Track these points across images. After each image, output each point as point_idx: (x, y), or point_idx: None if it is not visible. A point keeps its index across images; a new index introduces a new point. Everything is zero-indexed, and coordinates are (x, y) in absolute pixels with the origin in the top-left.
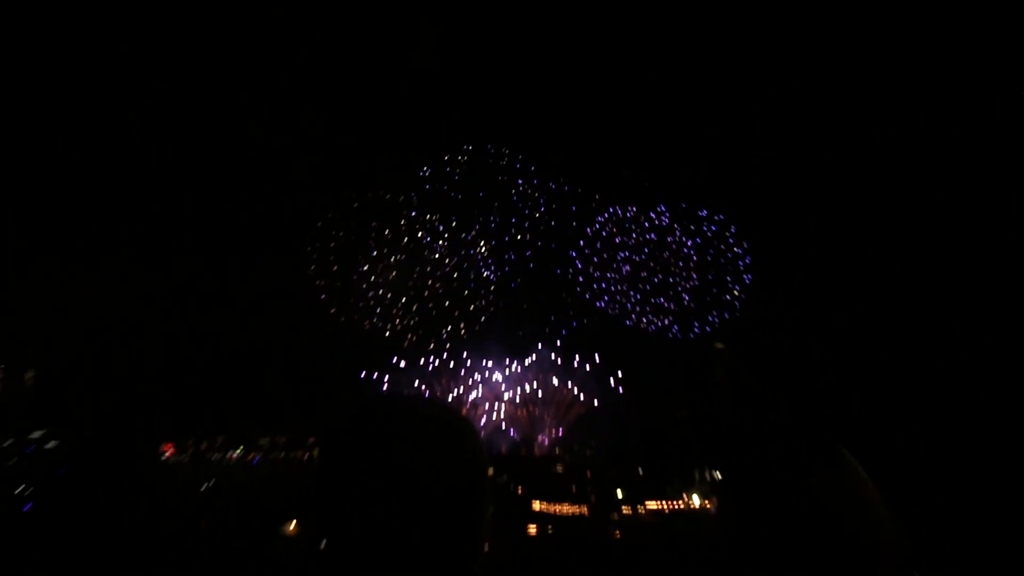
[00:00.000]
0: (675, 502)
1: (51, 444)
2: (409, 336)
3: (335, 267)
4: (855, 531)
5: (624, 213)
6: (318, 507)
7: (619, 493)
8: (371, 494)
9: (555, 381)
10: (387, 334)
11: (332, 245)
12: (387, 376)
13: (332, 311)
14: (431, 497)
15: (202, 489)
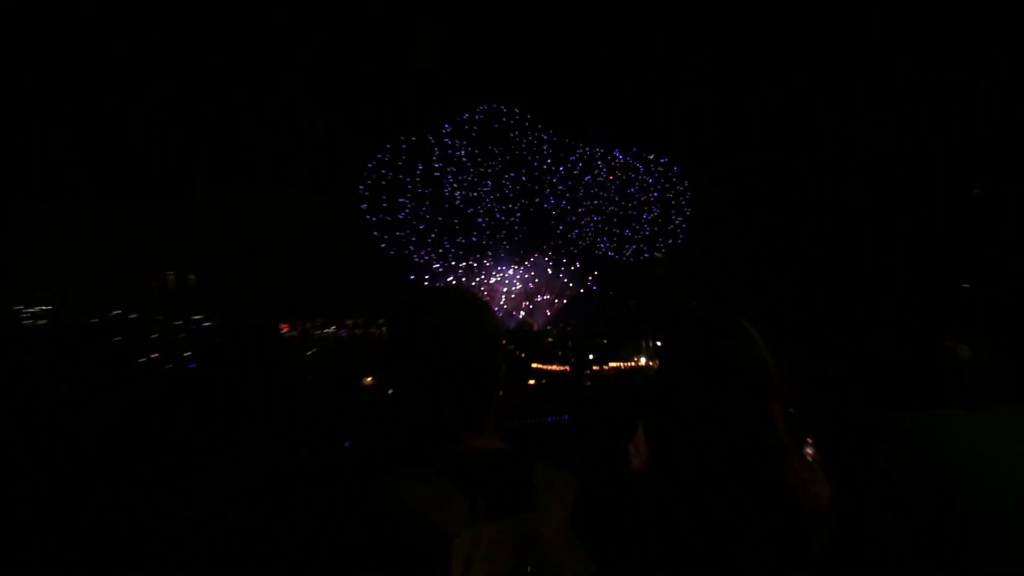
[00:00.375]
0: (629, 363)
1: (207, 324)
2: (441, 262)
3: (384, 203)
4: (752, 373)
5: (592, 153)
6: (386, 366)
7: (591, 356)
8: (421, 357)
9: (549, 274)
10: (420, 262)
11: (383, 183)
12: (428, 275)
13: (381, 245)
14: (463, 359)
15: (308, 354)
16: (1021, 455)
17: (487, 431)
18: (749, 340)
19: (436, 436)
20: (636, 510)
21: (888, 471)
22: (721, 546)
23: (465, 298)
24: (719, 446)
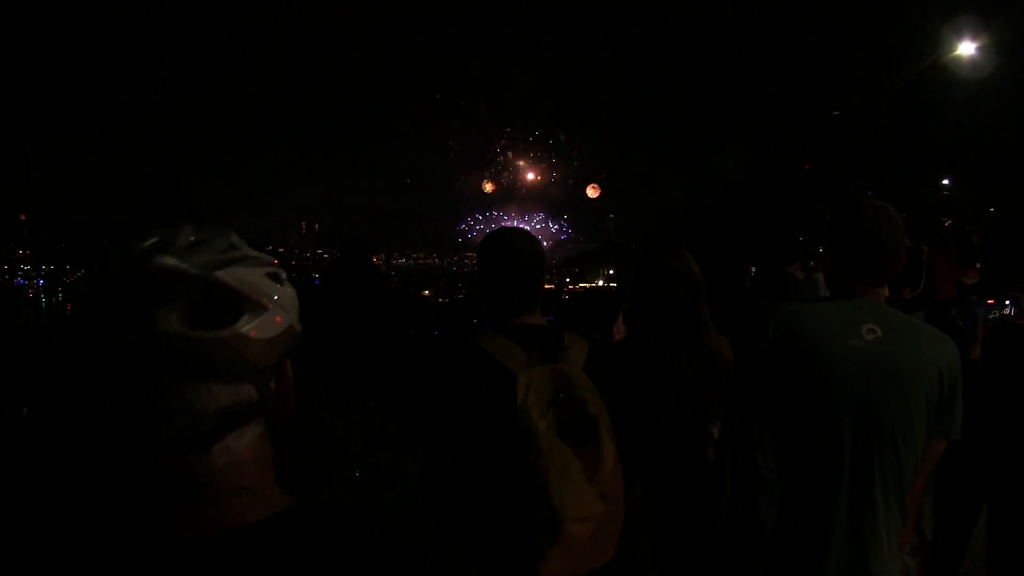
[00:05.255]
0: (590, 283)
1: (326, 255)
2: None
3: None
4: (688, 279)
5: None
6: (477, 271)
7: (567, 279)
8: (499, 266)
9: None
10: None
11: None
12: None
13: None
14: (522, 269)
15: (391, 273)
16: (833, 320)
17: (535, 313)
18: (687, 260)
19: (506, 314)
20: (616, 358)
21: (768, 332)
22: (664, 369)
23: (524, 233)
24: (667, 321)
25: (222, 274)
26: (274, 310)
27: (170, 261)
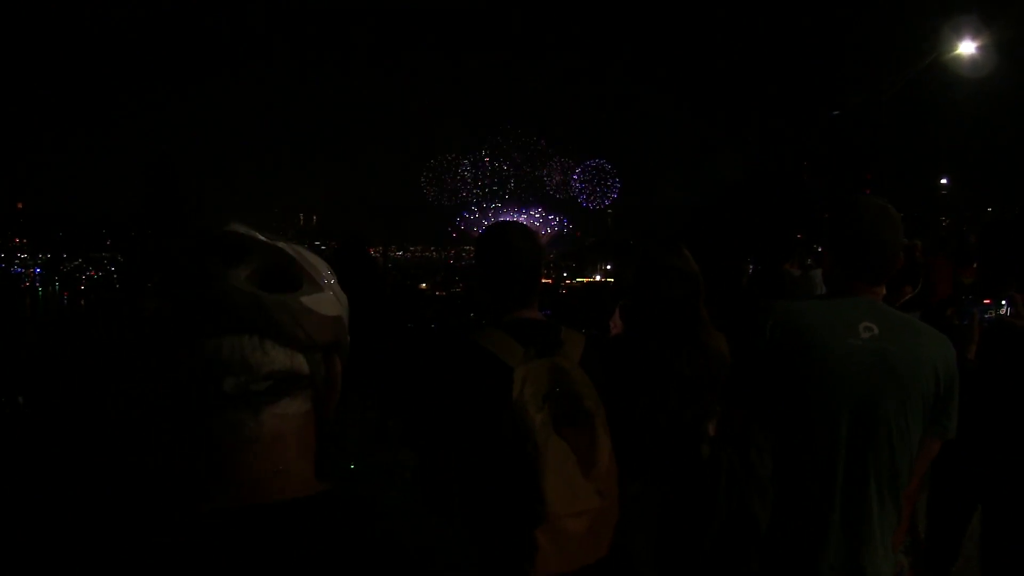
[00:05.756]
0: (588, 278)
1: (323, 247)
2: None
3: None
4: (687, 278)
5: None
6: (475, 266)
7: (564, 273)
8: (497, 260)
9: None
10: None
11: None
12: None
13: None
14: (521, 263)
15: (389, 265)
16: (832, 318)
17: (532, 307)
18: (686, 258)
19: (504, 308)
20: (612, 356)
21: (767, 331)
22: (664, 369)
23: (523, 227)
24: (667, 320)
25: (286, 246)
26: (328, 294)
27: (242, 228)
